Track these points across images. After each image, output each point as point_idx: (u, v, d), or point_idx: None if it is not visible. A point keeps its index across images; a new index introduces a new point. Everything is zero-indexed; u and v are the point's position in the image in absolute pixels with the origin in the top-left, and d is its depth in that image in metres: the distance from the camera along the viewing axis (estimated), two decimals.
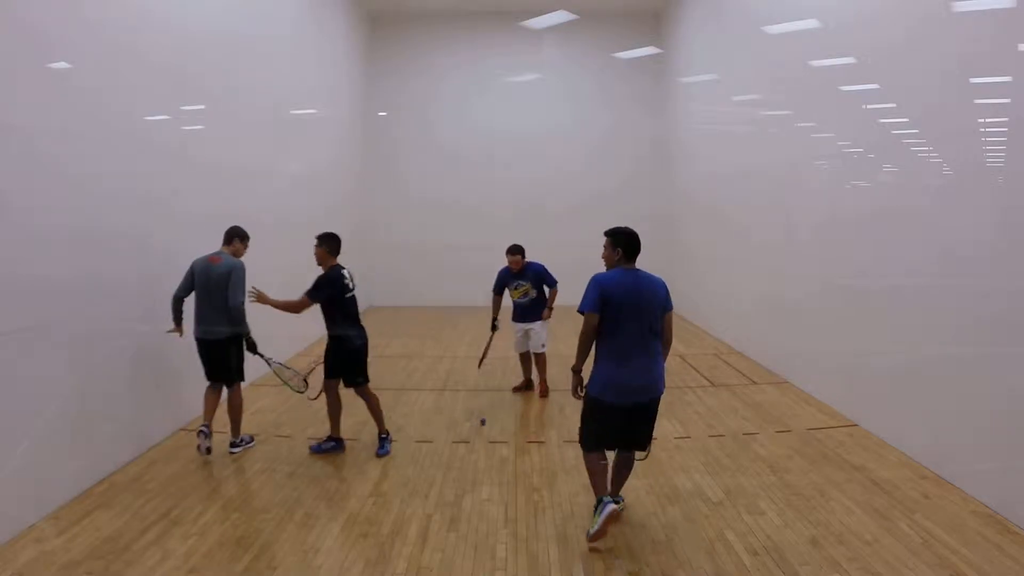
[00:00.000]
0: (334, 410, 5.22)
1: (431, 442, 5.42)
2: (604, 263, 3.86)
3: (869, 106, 5.58)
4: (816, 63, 6.54)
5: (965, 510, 4.02)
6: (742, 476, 4.61)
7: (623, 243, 3.78)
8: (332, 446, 5.20)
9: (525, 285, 6.78)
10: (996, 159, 4.14)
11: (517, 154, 13.36)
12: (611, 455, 3.94)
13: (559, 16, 12.27)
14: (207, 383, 5.13)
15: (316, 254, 5.03)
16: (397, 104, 13.44)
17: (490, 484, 4.56)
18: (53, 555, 3.52)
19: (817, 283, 6.51)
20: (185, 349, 5.74)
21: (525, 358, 7.06)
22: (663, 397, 3.86)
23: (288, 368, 5.33)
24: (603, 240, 3.91)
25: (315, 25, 10.21)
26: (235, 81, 6.95)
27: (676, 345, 9.33)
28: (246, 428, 5.51)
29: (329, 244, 5.06)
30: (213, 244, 6.49)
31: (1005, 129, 4.08)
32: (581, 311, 3.64)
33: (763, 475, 4.62)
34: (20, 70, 3.90)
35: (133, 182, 5.00)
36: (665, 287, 3.74)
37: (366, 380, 5.17)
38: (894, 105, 5.26)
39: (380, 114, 13.39)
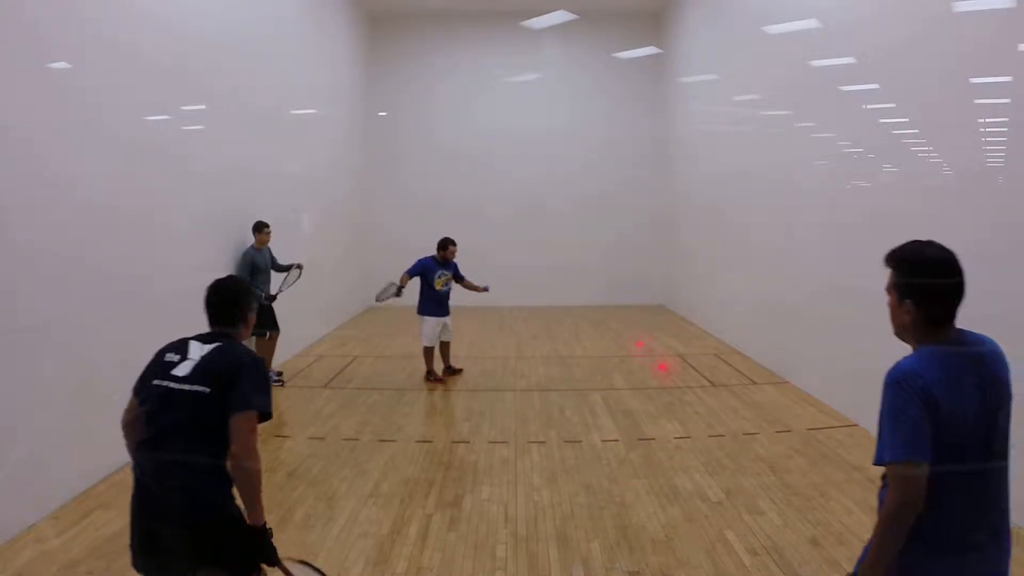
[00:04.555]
0: None
1: (431, 442, 5.42)
2: (892, 323, 1.93)
3: (869, 106, 5.58)
4: (816, 63, 6.54)
5: None
6: (742, 476, 4.61)
7: (925, 285, 1.83)
8: None
9: (448, 275, 7.31)
10: (996, 159, 4.15)
11: (517, 154, 13.36)
12: None
13: (559, 16, 12.26)
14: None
15: None
16: (397, 104, 13.44)
17: (490, 484, 4.56)
18: (53, 555, 3.52)
19: (817, 283, 6.52)
20: None
21: (438, 349, 7.44)
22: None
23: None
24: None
25: (315, 25, 10.22)
26: (235, 81, 6.95)
27: (676, 345, 9.43)
28: None
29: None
30: (213, 243, 6.54)
31: (1005, 129, 4.08)
32: (887, 460, 1.73)
33: (763, 475, 4.62)
34: (19, 70, 3.90)
35: (133, 182, 5.00)
36: (1005, 360, 1.90)
37: None
38: (894, 105, 5.26)
39: (380, 114, 13.39)
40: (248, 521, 2.31)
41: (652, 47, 12.93)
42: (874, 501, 3.75)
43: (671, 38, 12.58)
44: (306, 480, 4.64)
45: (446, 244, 7.36)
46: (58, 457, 4.12)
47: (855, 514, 3.96)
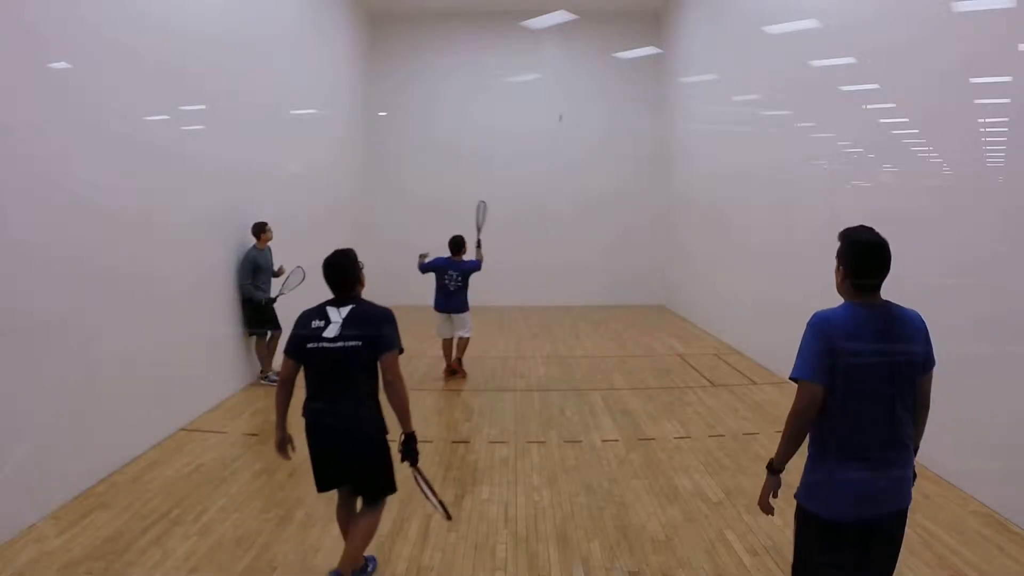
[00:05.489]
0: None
1: (431, 442, 5.41)
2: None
3: (869, 106, 5.58)
4: (816, 63, 6.54)
5: (965, 510, 4.02)
6: (742, 476, 4.61)
7: (852, 257, 2.34)
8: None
9: (456, 273, 7.47)
10: (996, 159, 4.15)
11: (517, 154, 13.36)
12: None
13: (559, 16, 12.27)
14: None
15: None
16: (397, 104, 13.44)
17: (490, 484, 4.56)
18: (53, 555, 3.52)
19: (817, 283, 6.47)
20: (184, 349, 5.76)
21: (453, 342, 7.61)
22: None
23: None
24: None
25: (315, 25, 10.21)
26: (235, 81, 6.94)
27: (676, 345, 9.42)
28: (247, 427, 5.77)
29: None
30: (213, 243, 6.54)
31: (1005, 129, 4.08)
32: (795, 377, 2.37)
33: (763, 475, 4.59)
34: (19, 70, 3.89)
35: (133, 182, 5.00)
36: (926, 330, 2.38)
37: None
38: (894, 105, 5.26)
39: (380, 114, 13.39)
40: (402, 428, 3.08)
41: (652, 47, 12.93)
42: None
43: (671, 38, 12.58)
44: (306, 480, 4.61)
45: (463, 243, 7.55)
46: (58, 457, 4.11)
47: None
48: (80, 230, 4.38)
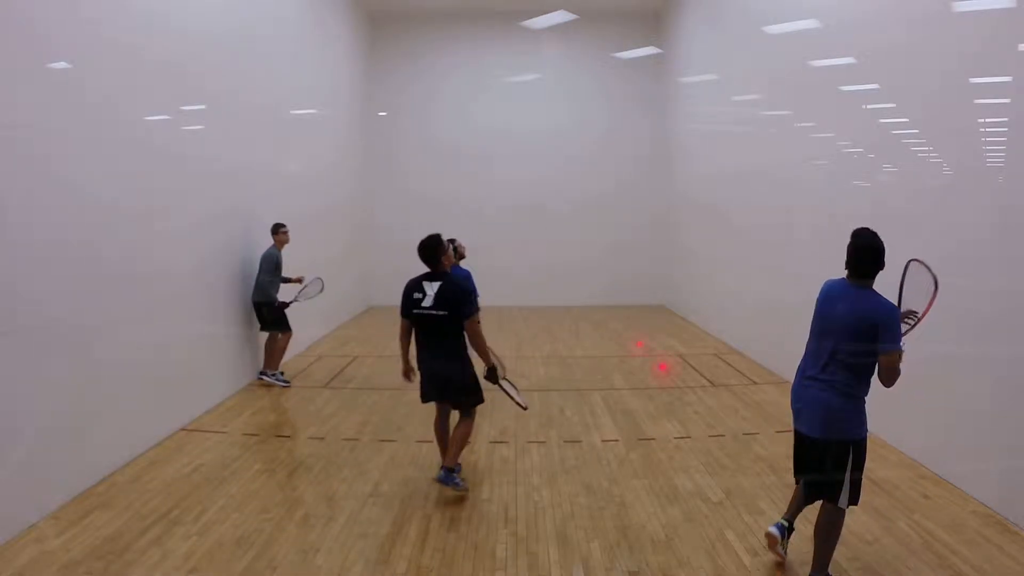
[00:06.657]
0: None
1: (431, 442, 5.39)
2: None
3: (869, 106, 5.58)
4: (816, 63, 6.54)
5: (965, 510, 4.02)
6: (742, 476, 4.61)
7: (850, 252, 3.18)
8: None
9: None
10: (996, 159, 4.15)
11: (517, 154, 13.37)
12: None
13: (559, 16, 12.28)
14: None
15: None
16: (397, 104, 13.44)
17: (490, 484, 4.56)
18: (53, 555, 3.52)
19: (817, 283, 6.46)
20: (184, 349, 5.76)
21: None
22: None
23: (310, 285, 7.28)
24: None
25: (315, 25, 10.22)
26: (235, 81, 6.95)
27: (676, 345, 9.43)
28: (247, 427, 5.73)
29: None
30: (213, 243, 6.54)
31: (1005, 129, 4.08)
32: None
33: (763, 475, 4.62)
34: (20, 70, 3.89)
35: (133, 182, 5.00)
36: (882, 321, 2.99)
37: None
38: (894, 105, 5.26)
39: (380, 114, 13.39)
40: (484, 363, 4.36)
41: (652, 47, 12.94)
42: (875, 502, 3.81)
43: (671, 38, 12.58)
44: (306, 480, 4.64)
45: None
46: (58, 457, 4.12)
47: (855, 514, 3.94)
48: (80, 230, 4.38)
